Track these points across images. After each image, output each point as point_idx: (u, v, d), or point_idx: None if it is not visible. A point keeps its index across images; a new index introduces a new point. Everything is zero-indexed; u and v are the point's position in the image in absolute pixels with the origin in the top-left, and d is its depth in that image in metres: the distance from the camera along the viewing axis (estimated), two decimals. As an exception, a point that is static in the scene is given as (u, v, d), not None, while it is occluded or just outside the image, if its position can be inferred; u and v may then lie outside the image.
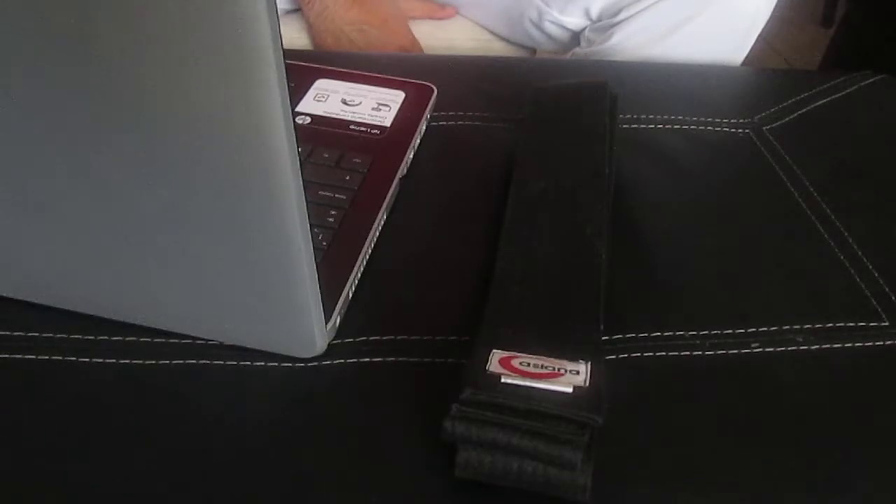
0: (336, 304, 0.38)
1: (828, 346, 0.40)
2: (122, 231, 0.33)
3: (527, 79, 0.57)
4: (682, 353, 0.39)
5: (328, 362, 0.37)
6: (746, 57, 0.72)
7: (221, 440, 0.34)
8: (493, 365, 0.33)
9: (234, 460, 0.33)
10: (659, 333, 0.40)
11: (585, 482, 0.31)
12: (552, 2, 0.74)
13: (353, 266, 0.40)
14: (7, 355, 0.36)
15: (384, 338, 0.39)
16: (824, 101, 0.59)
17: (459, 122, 0.55)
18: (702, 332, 0.40)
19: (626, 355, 0.38)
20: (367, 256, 0.42)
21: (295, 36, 0.76)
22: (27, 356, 0.36)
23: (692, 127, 0.55)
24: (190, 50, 0.27)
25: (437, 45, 0.78)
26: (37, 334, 0.37)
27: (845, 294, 0.43)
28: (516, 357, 0.34)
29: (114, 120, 0.29)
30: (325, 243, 0.41)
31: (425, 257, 0.44)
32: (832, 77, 0.62)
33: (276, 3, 0.26)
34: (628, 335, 0.39)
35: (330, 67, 0.55)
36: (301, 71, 0.55)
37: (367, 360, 0.37)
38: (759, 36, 0.71)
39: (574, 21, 0.75)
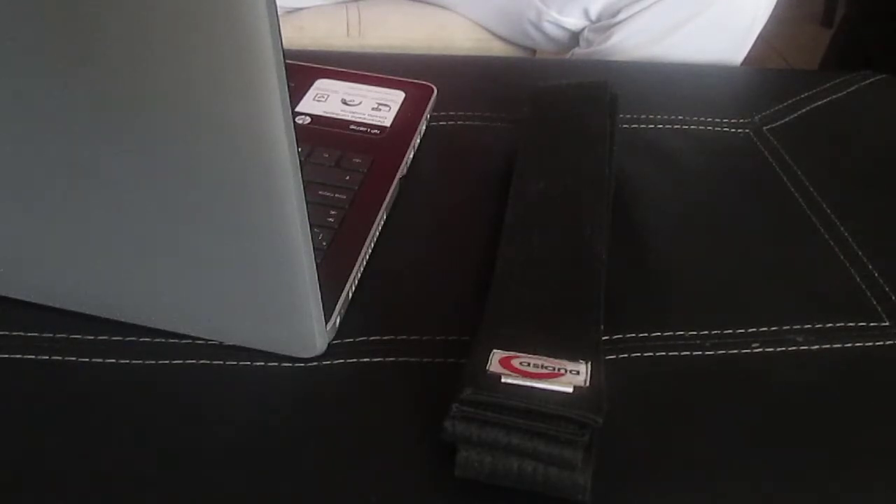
0: (336, 304, 0.38)
1: (828, 346, 0.40)
2: (122, 231, 0.33)
3: (527, 79, 0.57)
4: (682, 353, 0.39)
5: (328, 362, 0.37)
6: (746, 57, 0.72)
7: (221, 440, 0.34)
8: (494, 365, 0.33)
9: (234, 460, 0.33)
10: (659, 333, 0.40)
11: (585, 482, 0.31)
12: (551, 2, 0.74)
13: (353, 266, 0.40)
14: (7, 355, 0.36)
15: (384, 338, 0.39)
16: (824, 101, 0.59)
17: (459, 122, 0.55)
18: (702, 332, 0.40)
19: (626, 355, 0.38)
20: (367, 256, 0.42)
21: (295, 36, 0.76)
22: (27, 356, 0.36)
23: (692, 127, 0.55)
24: (190, 50, 0.27)
25: (437, 45, 0.78)
26: (37, 334, 0.37)
27: (845, 294, 0.43)
28: (516, 357, 0.33)
29: (114, 120, 0.29)
30: (325, 243, 0.41)
31: (425, 257, 0.44)
32: (832, 77, 0.62)
33: (276, 3, 0.26)
34: (628, 335, 0.39)
35: (330, 67, 0.55)
36: (301, 71, 0.55)
37: (367, 360, 0.37)
38: (759, 36, 0.71)
39: (573, 21, 0.75)
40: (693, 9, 0.68)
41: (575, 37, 0.77)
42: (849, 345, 0.40)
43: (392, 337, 0.39)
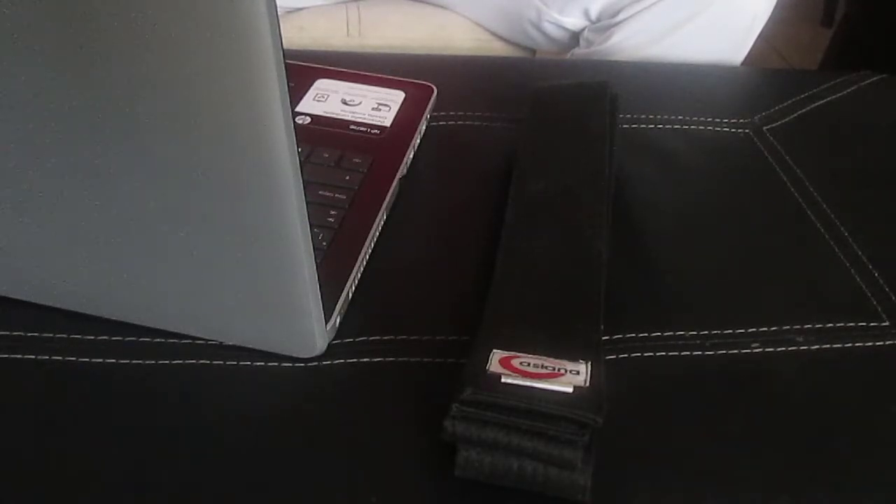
0: (336, 304, 0.38)
1: (828, 346, 0.40)
2: (123, 231, 0.33)
3: (527, 79, 0.57)
4: (682, 353, 0.39)
5: (328, 362, 0.37)
6: (746, 57, 0.72)
7: (221, 440, 0.34)
8: (494, 365, 0.33)
9: (233, 460, 0.33)
10: (659, 333, 0.40)
11: (585, 482, 0.31)
12: (551, 2, 0.74)
13: (353, 266, 0.40)
14: (7, 355, 0.36)
15: (384, 338, 0.39)
16: (824, 101, 0.59)
17: (459, 122, 0.55)
18: (702, 332, 0.40)
19: (626, 355, 0.38)
20: (367, 256, 0.42)
21: (295, 36, 0.76)
22: (27, 356, 0.36)
23: (692, 127, 0.55)
24: (190, 50, 0.27)
25: (437, 45, 0.78)
26: (37, 334, 0.37)
27: (845, 294, 0.43)
28: (516, 357, 0.34)
29: (114, 120, 0.29)
30: (325, 243, 0.41)
31: (425, 257, 0.44)
32: (832, 77, 0.62)
33: (275, 3, 0.26)
34: (628, 335, 0.39)
35: (330, 67, 0.55)
36: (301, 71, 0.55)
37: (367, 360, 0.37)
38: (759, 36, 0.71)
39: (573, 21, 0.75)
40: (693, 9, 0.68)
41: (575, 37, 0.77)
42: (849, 345, 0.40)
43: (392, 337, 0.39)
